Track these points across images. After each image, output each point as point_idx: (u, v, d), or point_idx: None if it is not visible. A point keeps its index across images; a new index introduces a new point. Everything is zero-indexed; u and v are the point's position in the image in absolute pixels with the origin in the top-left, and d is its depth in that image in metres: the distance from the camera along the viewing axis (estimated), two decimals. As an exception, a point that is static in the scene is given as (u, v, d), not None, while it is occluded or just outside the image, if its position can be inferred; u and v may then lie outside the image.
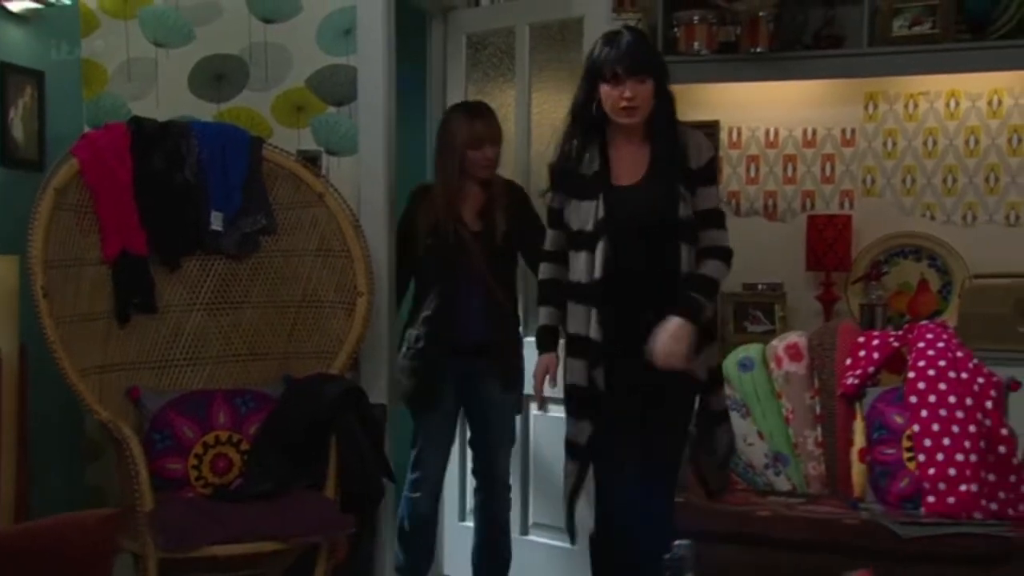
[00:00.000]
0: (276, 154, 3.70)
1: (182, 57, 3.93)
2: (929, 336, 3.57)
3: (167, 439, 3.32)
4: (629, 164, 3.13)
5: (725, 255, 3.12)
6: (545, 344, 3.28)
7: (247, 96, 3.90)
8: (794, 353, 3.81)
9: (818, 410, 3.74)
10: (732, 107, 5.12)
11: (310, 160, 3.78)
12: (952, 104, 4.83)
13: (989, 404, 3.35)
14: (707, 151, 3.13)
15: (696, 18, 4.80)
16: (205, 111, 3.91)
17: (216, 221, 3.59)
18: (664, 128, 3.11)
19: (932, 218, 4.87)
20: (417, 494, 3.73)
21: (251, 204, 3.63)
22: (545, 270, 3.28)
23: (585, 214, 3.10)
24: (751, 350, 3.89)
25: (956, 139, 4.82)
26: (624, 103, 3.03)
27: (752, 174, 5.13)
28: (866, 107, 4.95)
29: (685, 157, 3.10)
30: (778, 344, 3.86)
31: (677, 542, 2.24)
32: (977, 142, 4.80)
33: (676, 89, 4.98)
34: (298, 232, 3.68)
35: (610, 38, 3.09)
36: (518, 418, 3.90)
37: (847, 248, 4.84)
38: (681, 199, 3.06)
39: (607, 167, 3.13)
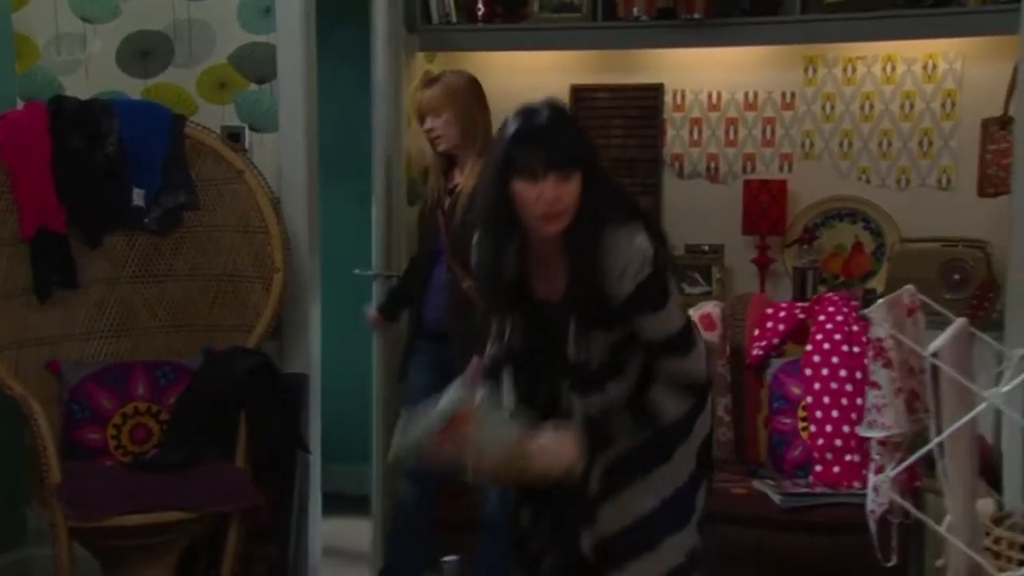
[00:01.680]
0: (198, 131, 3.77)
1: (109, 32, 3.99)
2: (830, 309, 3.66)
3: (86, 410, 3.46)
4: (551, 270, 2.40)
5: (682, 387, 2.45)
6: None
7: (172, 72, 3.96)
8: (708, 323, 3.91)
9: (729, 378, 3.85)
10: (676, 70, 5.14)
11: (233, 137, 3.86)
12: (888, 69, 4.85)
13: (878, 378, 3.44)
14: (634, 266, 2.29)
15: (634, -17, 4.84)
16: (133, 87, 3.97)
17: (138, 197, 3.69)
18: (583, 236, 2.31)
19: (868, 181, 4.91)
20: (401, 480, 3.56)
21: (173, 181, 3.72)
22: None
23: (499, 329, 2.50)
24: (668, 319, 3.98)
25: (892, 103, 4.85)
26: (543, 207, 2.26)
27: (695, 136, 5.17)
28: (806, 71, 4.97)
29: (602, 280, 2.30)
30: (694, 313, 3.95)
31: (446, 558, 2.16)
32: (912, 107, 4.83)
33: (616, 55, 5.20)
34: (219, 208, 3.77)
35: (524, 117, 2.32)
36: None
37: (781, 212, 4.89)
38: (594, 339, 2.36)
39: (524, 272, 2.41)
